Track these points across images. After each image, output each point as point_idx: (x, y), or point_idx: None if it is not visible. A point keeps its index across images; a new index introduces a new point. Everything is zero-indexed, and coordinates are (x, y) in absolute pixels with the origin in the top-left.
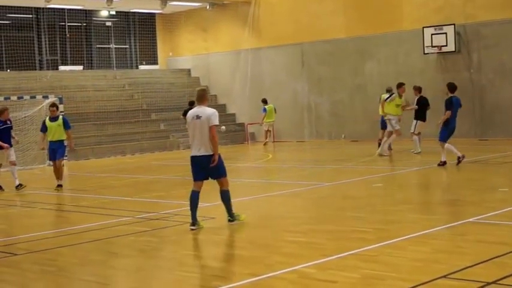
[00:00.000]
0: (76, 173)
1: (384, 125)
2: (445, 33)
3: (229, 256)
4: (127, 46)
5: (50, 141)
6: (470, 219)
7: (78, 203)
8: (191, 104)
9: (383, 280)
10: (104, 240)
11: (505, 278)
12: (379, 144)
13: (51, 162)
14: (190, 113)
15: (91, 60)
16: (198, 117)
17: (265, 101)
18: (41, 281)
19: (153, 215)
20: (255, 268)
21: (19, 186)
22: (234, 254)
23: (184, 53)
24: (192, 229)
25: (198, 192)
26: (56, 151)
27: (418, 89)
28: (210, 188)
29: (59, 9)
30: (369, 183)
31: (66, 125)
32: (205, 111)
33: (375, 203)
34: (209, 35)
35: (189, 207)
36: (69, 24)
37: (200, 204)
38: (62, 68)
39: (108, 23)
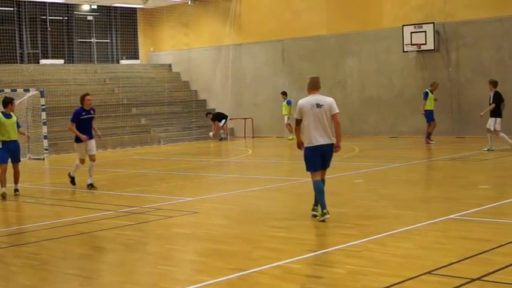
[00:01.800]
0: (57, 167)
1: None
2: (425, 31)
3: (214, 251)
4: (108, 40)
5: (6, 141)
6: (452, 216)
7: (61, 197)
8: (218, 117)
9: (368, 276)
10: (88, 233)
11: (489, 274)
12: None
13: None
14: (308, 101)
15: (72, 54)
16: (318, 105)
17: (285, 94)
18: (24, 275)
19: (136, 209)
20: (240, 263)
21: (90, 186)
22: (218, 249)
23: (165, 48)
24: (327, 218)
25: (322, 180)
26: (15, 152)
27: (493, 83)
28: (189, 182)
29: (41, 2)
30: (350, 179)
31: (17, 124)
32: (325, 99)
33: (357, 198)
34: (190, 30)
35: (317, 198)
36: (50, 18)
37: (183, 199)
38: (43, 61)
39: (90, 17)
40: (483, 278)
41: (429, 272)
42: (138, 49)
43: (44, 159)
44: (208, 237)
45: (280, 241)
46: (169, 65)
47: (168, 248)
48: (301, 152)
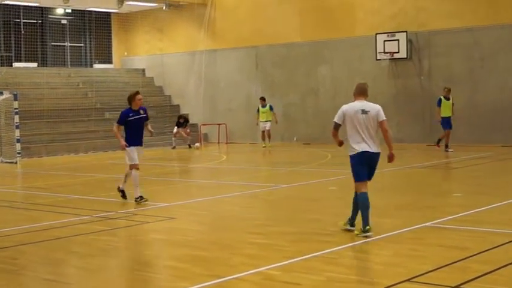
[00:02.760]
0: (30, 171)
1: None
2: (397, 40)
3: (192, 257)
4: (82, 44)
5: None
6: (428, 224)
7: (34, 201)
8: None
9: (347, 283)
10: (65, 238)
11: (467, 282)
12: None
13: None
14: (353, 106)
15: (46, 57)
16: (364, 111)
17: (264, 99)
18: (1, 280)
19: (112, 214)
20: (218, 269)
21: (140, 199)
22: (197, 255)
23: (139, 53)
24: (370, 235)
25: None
26: None
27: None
28: (164, 187)
29: (15, 5)
30: (324, 185)
31: None
32: (372, 106)
33: (332, 205)
34: (165, 35)
35: (361, 212)
36: (24, 21)
37: (159, 205)
38: (16, 64)
39: (64, 21)
40: (461, 286)
41: (408, 280)
42: (111, 53)
43: (16, 162)
44: (185, 243)
45: (259, 247)
46: (143, 70)
47: (146, 253)
48: (277, 159)
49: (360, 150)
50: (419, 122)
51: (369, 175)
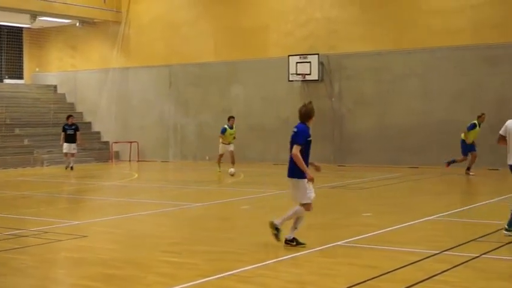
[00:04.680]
0: None
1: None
2: (309, 62)
3: (105, 276)
4: None
5: None
6: (340, 242)
7: None
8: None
9: None
10: None
11: None
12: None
13: None
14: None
15: None
16: None
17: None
18: None
19: (24, 232)
20: None
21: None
22: (110, 274)
23: (51, 69)
24: None
25: None
26: None
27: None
28: (76, 205)
29: None
30: (237, 205)
31: None
32: None
33: (245, 224)
34: (78, 52)
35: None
36: None
37: (71, 222)
38: None
39: None
40: None
41: None
42: (22, 69)
43: None
44: (98, 261)
45: (172, 266)
46: (55, 86)
47: (58, 272)
48: (189, 178)
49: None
50: (329, 143)
51: None
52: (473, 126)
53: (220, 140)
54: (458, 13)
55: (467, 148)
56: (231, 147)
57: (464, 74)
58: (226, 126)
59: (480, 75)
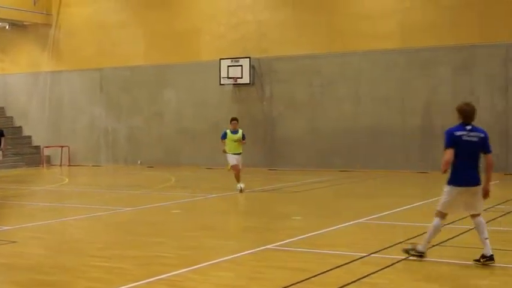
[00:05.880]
0: None
1: None
2: (241, 65)
3: (35, 281)
4: None
5: None
6: (269, 246)
7: None
8: None
9: None
10: None
11: None
12: None
13: None
14: None
15: None
16: None
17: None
18: None
19: None
20: None
21: None
22: (40, 279)
23: None
24: None
25: None
26: None
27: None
28: (5, 210)
29: None
30: (168, 209)
31: None
32: None
33: (175, 228)
34: (7, 55)
35: None
36: None
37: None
38: None
39: None
40: None
41: None
42: None
43: None
44: (28, 267)
45: (103, 271)
46: None
47: None
48: (120, 182)
49: None
50: (260, 147)
51: None
52: None
53: (224, 148)
54: (387, 17)
55: None
56: (239, 160)
57: (393, 77)
58: (227, 130)
59: (409, 79)
